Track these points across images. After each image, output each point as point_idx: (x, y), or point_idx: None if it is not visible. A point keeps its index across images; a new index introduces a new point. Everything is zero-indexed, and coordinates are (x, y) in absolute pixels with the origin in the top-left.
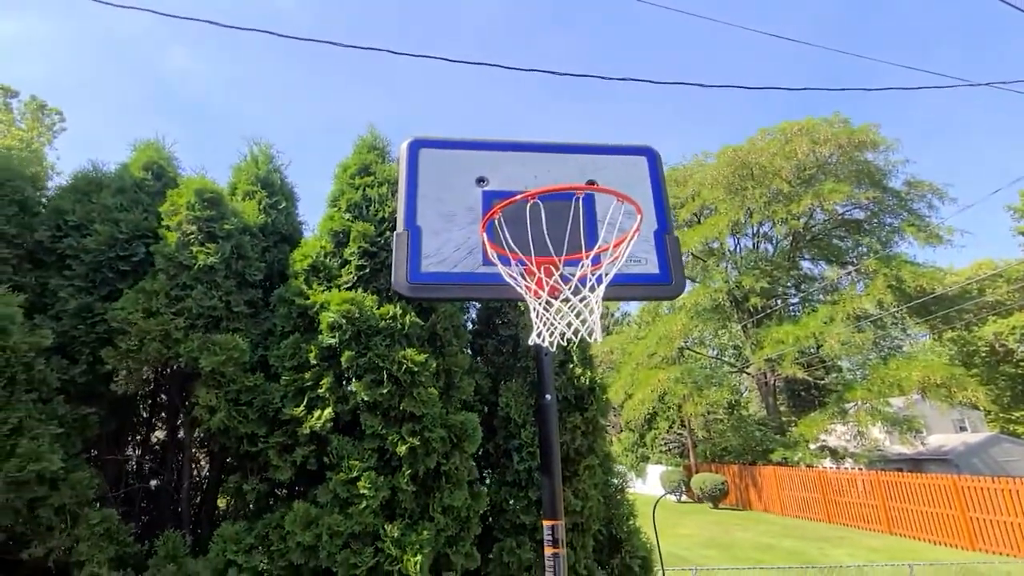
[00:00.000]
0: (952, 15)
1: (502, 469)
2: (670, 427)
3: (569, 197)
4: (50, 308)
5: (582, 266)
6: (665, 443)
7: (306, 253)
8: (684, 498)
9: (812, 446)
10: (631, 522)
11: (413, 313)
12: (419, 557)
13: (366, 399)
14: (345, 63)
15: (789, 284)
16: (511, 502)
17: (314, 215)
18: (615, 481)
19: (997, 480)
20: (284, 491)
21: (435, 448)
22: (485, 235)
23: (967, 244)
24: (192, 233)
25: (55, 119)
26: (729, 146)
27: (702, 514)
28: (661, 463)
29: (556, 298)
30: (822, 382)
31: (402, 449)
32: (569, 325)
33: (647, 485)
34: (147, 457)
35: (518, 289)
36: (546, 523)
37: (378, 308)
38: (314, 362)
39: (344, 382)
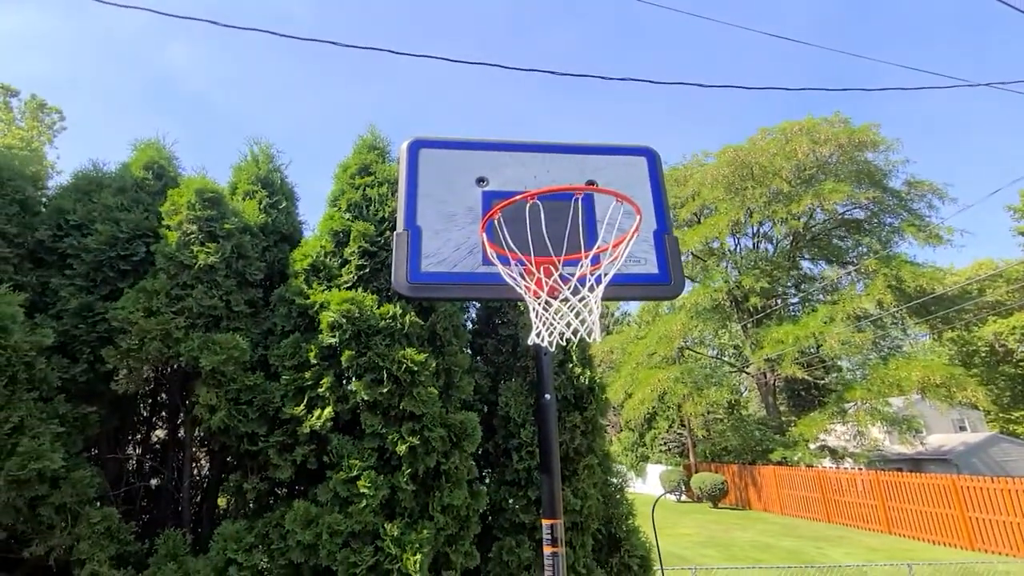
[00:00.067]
0: (952, 15)
1: (501, 468)
2: (670, 427)
3: (568, 197)
4: (51, 307)
5: (581, 266)
6: (665, 443)
7: (306, 253)
8: (684, 498)
9: (812, 446)
10: (630, 521)
11: (413, 313)
12: (419, 556)
13: (366, 398)
14: (346, 62)
15: (789, 284)
16: (510, 501)
17: (314, 214)
18: (614, 480)
19: (996, 480)
20: (284, 490)
21: (435, 447)
22: (485, 235)
23: (967, 244)
24: (193, 232)
25: (55, 118)
26: (729, 146)
27: (701, 513)
28: (661, 463)
29: (555, 298)
30: (822, 382)
31: (402, 448)
32: (568, 325)
33: (647, 485)
34: (148, 456)
35: (517, 289)
36: (545, 522)
37: (378, 308)
38: (314, 361)
39: (344, 381)
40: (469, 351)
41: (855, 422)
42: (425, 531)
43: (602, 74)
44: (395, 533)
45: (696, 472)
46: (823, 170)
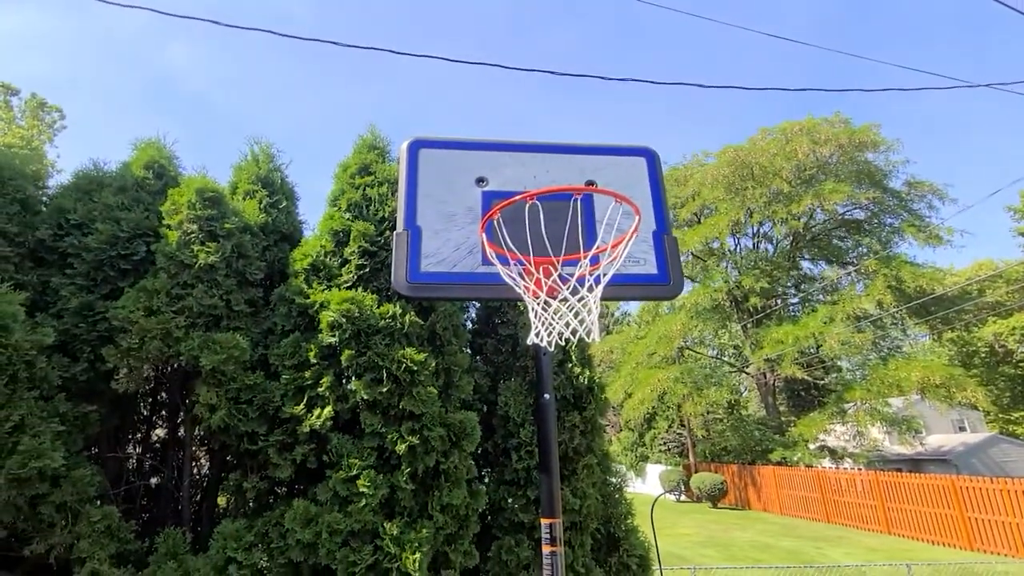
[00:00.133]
0: (952, 15)
1: (501, 468)
2: (669, 427)
3: (568, 197)
4: (52, 306)
5: (580, 266)
6: (664, 443)
7: (306, 252)
8: (683, 497)
9: (811, 446)
10: (629, 521)
11: (413, 312)
12: (418, 555)
13: (366, 398)
14: (346, 62)
15: (789, 284)
16: (510, 500)
17: (314, 214)
18: (613, 480)
19: (996, 481)
20: (284, 489)
21: (434, 447)
22: (484, 235)
23: (967, 244)
24: (193, 232)
25: (55, 117)
26: (730, 146)
27: (701, 513)
28: (660, 462)
29: (554, 298)
30: (821, 382)
31: (401, 448)
32: (567, 325)
33: (646, 484)
34: (148, 455)
35: (517, 289)
36: (544, 521)
37: (378, 307)
38: (314, 361)
39: (344, 381)
40: (469, 351)
41: (855, 422)
42: (424, 530)
43: (602, 74)
44: (394, 532)
45: (696, 472)
46: (823, 170)
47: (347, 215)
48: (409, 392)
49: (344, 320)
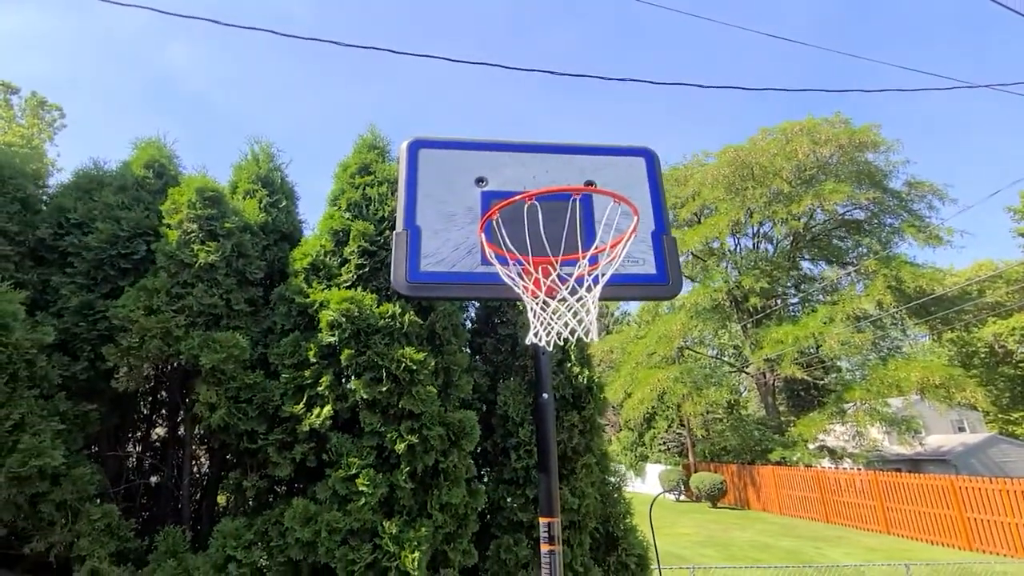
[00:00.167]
0: (952, 15)
1: (500, 467)
2: (669, 426)
3: (567, 198)
4: (52, 305)
5: (579, 266)
6: (664, 442)
7: (306, 252)
8: (683, 497)
9: (811, 446)
10: (628, 520)
11: (412, 312)
12: (417, 554)
13: (365, 397)
14: (346, 62)
15: (789, 284)
16: (508, 500)
17: (314, 214)
18: (612, 479)
19: (995, 481)
20: (283, 488)
21: (433, 446)
22: (483, 235)
23: (967, 245)
24: (193, 231)
25: (55, 115)
26: (730, 146)
27: (700, 513)
28: (660, 462)
29: (553, 298)
30: (821, 382)
31: (401, 447)
32: (566, 325)
33: (646, 484)
34: (148, 454)
35: (516, 289)
36: (543, 520)
37: (377, 307)
38: (314, 360)
39: (343, 380)
40: (468, 350)
41: (854, 422)
42: (423, 529)
43: (602, 74)
44: (393, 531)
45: (695, 472)
46: (823, 170)
47: (347, 215)
48: (408, 391)
49: (344, 319)
